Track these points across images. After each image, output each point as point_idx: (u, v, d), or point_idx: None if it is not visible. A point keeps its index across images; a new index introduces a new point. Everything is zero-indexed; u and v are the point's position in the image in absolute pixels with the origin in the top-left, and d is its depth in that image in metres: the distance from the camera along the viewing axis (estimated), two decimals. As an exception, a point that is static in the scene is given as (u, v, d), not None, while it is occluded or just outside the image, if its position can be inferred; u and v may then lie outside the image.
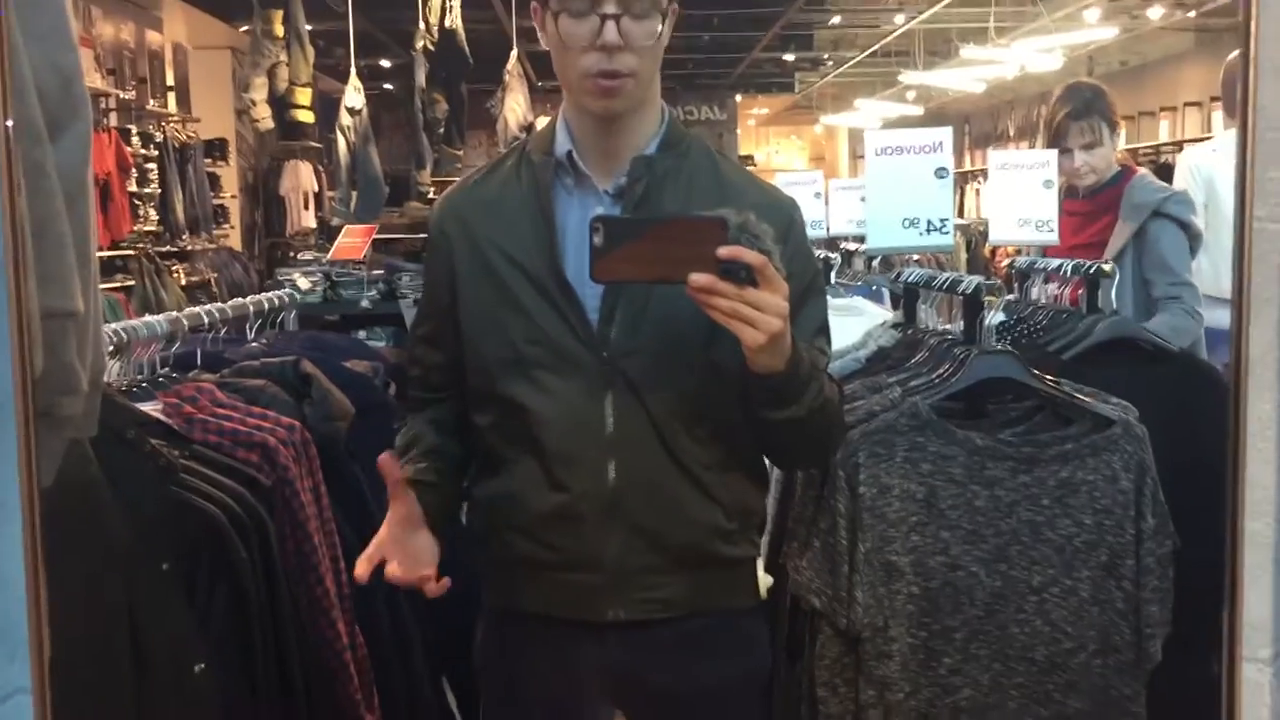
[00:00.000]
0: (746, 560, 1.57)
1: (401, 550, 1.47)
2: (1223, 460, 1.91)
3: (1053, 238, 2.51)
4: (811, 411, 1.42)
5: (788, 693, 1.92)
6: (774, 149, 19.25)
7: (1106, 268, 2.22)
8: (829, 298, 3.11)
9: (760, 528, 1.58)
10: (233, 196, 9.30)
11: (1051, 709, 1.71)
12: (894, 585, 1.69)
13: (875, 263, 3.79)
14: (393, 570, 1.46)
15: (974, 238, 7.05)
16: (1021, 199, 2.54)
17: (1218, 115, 7.07)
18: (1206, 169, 3.62)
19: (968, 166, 13.30)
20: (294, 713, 1.69)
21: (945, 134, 2.07)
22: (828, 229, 4.00)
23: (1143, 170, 3.24)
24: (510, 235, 1.48)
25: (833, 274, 3.53)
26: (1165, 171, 5.97)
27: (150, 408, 1.75)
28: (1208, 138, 6.36)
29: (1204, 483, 1.90)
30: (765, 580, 1.89)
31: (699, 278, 1.27)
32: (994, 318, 1.89)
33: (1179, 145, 8.71)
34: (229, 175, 9.29)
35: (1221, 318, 3.49)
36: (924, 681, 1.70)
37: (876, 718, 1.71)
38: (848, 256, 3.80)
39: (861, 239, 3.90)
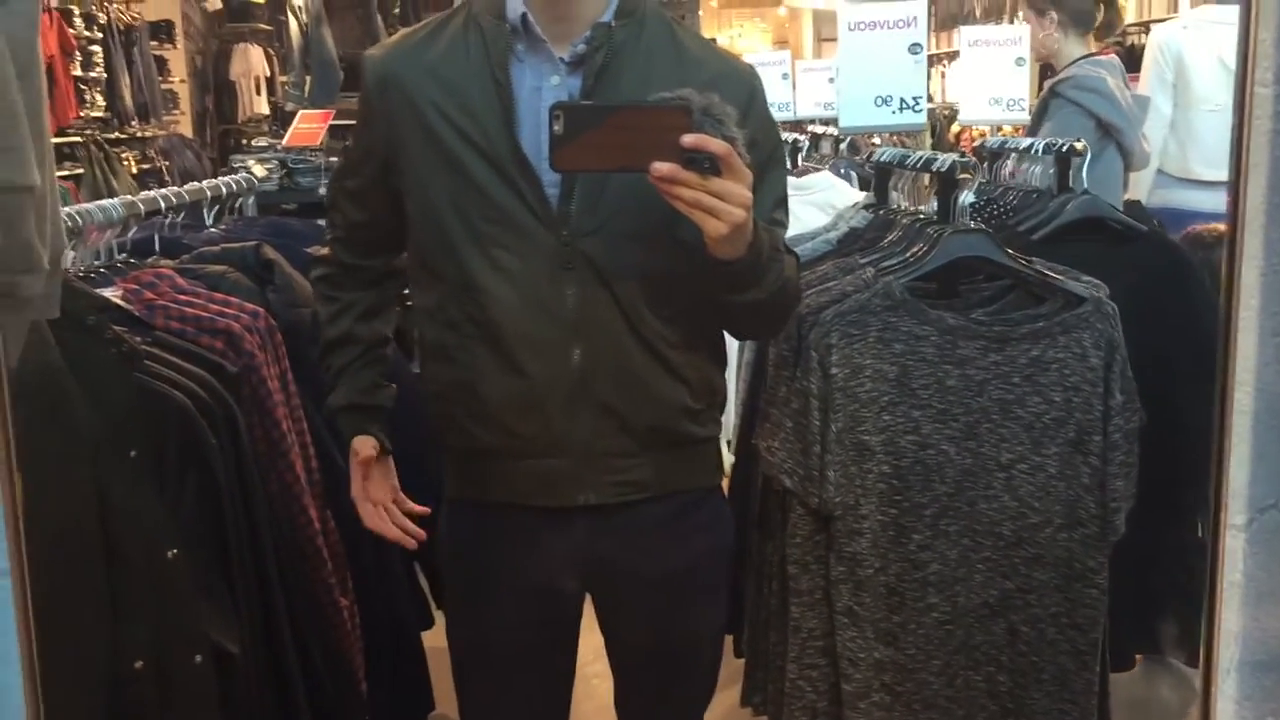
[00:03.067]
0: (712, 439, 1.56)
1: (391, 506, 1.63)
2: (1190, 335, 1.93)
3: (1023, 116, 2.49)
4: (772, 294, 1.42)
5: (760, 570, 1.95)
6: (737, 31, 18.89)
7: (1079, 146, 2.20)
8: (793, 178, 3.10)
9: (722, 405, 1.57)
10: (181, 81, 9.01)
11: (1017, 581, 1.75)
12: (865, 464, 1.71)
13: (843, 146, 3.76)
14: (395, 532, 1.62)
15: (939, 122, 7.00)
16: (993, 77, 2.51)
17: (1186, -6, 6.98)
18: (1175, 46, 3.59)
19: (933, 49, 13.14)
20: (269, 597, 1.69)
21: (920, 8, 2.02)
22: (795, 111, 3.94)
23: (1093, 61, 3.23)
24: (461, 106, 1.41)
25: (800, 157, 3.49)
26: (1133, 54, 5.91)
27: (110, 294, 1.71)
28: (1173, 18, 6.29)
29: (1172, 357, 1.94)
30: (728, 458, 1.91)
31: (661, 166, 1.24)
32: (966, 198, 1.88)
33: (1145, 26, 8.62)
34: (177, 59, 8.98)
35: (1189, 198, 3.52)
36: (893, 557, 1.73)
37: (846, 593, 1.74)
38: (815, 139, 3.75)
39: (829, 122, 3.86)
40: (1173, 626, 2.01)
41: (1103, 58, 3.38)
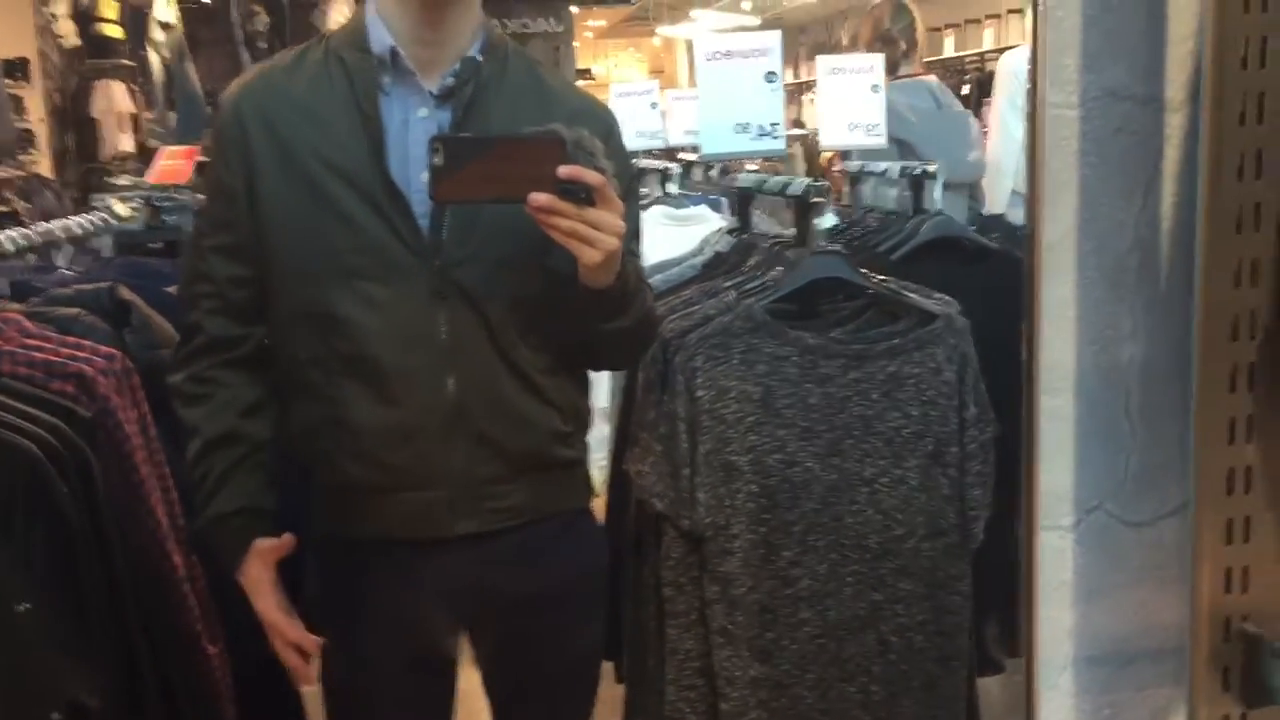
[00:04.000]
0: (580, 461, 1.59)
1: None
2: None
3: (880, 140, 2.57)
4: (637, 321, 1.48)
5: (637, 594, 1.96)
6: (612, 62, 19.07)
7: (931, 168, 2.28)
8: (671, 209, 3.14)
9: (587, 428, 1.60)
10: (40, 120, 8.70)
11: (885, 593, 1.79)
12: (734, 484, 1.74)
13: (714, 172, 3.82)
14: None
15: (815, 147, 7.15)
16: (850, 103, 2.58)
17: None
18: (1024, 72, 3.75)
19: (805, 77, 13.46)
20: (131, 647, 1.64)
21: (774, 38, 2.08)
22: (666, 140, 3.99)
23: (897, 85, 3.50)
24: (327, 139, 1.41)
25: (673, 184, 3.54)
26: (988, 79, 6.15)
27: (-50, 341, 1.64)
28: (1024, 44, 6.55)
29: (1018, 369, 2.01)
30: (599, 478, 1.93)
31: (539, 197, 1.27)
32: (826, 220, 1.93)
33: (1001, 52, 8.98)
34: (33, 97, 8.66)
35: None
36: (765, 575, 1.76)
37: (720, 613, 1.76)
38: (687, 167, 3.80)
39: (698, 149, 3.92)
40: (994, 624, 2.09)
41: (909, 81, 3.60)
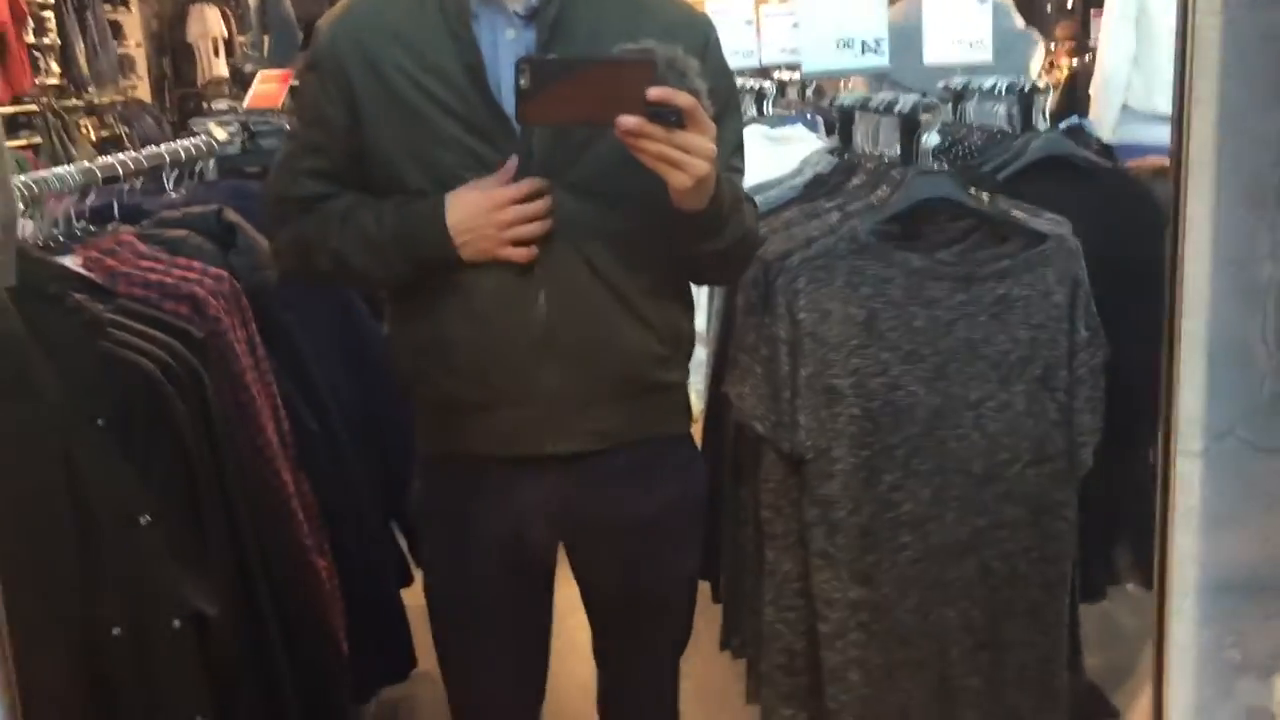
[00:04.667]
0: (680, 385, 1.57)
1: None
2: (1153, 267, 1.94)
3: (986, 56, 2.48)
4: (733, 243, 1.44)
5: (735, 516, 1.97)
6: (701, -22, 18.73)
7: (1040, 84, 2.20)
8: (767, 128, 3.09)
9: (690, 352, 1.58)
10: (138, 45, 8.86)
11: (988, 518, 1.77)
12: (835, 408, 1.72)
13: (809, 92, 3.73)
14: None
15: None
16: (956, 17, 2.50)
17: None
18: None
19: (898, -9, 13.08)
20: (245, 560, 1.70)
21: (878, -51, 2.01)
22: (760, 58, 3.91)
23: None
24: (426, 64, 1.40)
25: (768, 104, 3.47)
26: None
27: (70, 262, 1.69)
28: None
29: (1134, 291, 1.95)
30: (697, 405, 1.92)
31: (627, 120, 1.24)
32: (930, 139, 1.87)
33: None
34: (131, 23, 8.82)
35: (1154, 133, 3.54)
36: (866, 499, 1.74)
37: (821, 536, 1.76)
38: (781, 86, 3.73)
39: (794, 68, 3.83)
40: (1132, 555, 2.05)
41: None
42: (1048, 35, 7.38)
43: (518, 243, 1.40)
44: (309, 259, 1.50)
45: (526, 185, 1.39)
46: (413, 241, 1.42)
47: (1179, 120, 0.79)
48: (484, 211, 1.39)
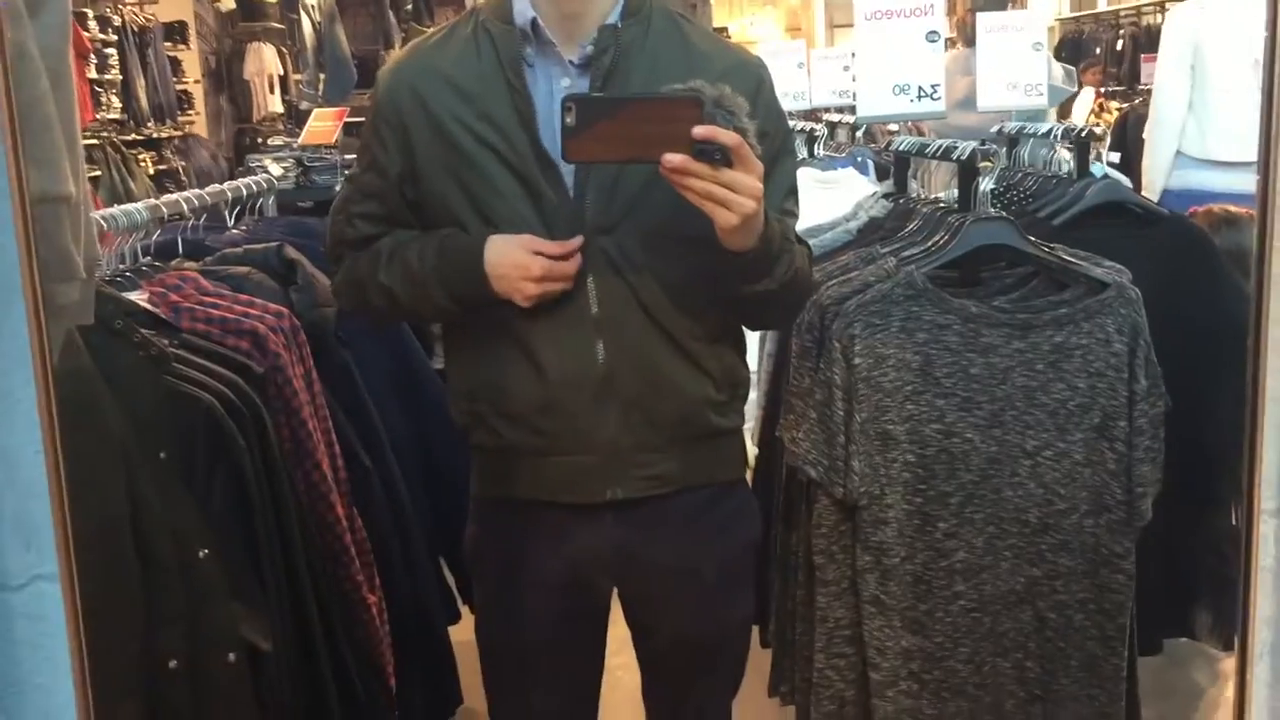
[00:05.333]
0: (736, 430, 1.57)
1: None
2: (1215, 319, 1.92)
3: (1042, 101, 2.48)
4: (784, 284, 1.43)
5: (785, 561, 1.95)
6: (749, 20, 18.83)
7: (1097, 130, 2.19)
8: (817, 171, 3.09)
9: (745, 396, 1.57)
10: (195, 82, 9.04)
11: (1043, 568, 1.75)
12: (890, 454, 1.71)
13: (859, 134, 3.74)
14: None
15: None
16: (1010, 62, 2.50)
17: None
18: (1193, 27, 3.57)
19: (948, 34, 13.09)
20: (299, 595, 1.71)
21: (936, -5, 2.02)
22: (810, 100, 3.93)
23: None
24: (478, 111, 1.41)
25: (818, 146, 3.48)
26: (1150, 34, 5.87)
27: (136, 297, 1.72)
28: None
29: (1196, 342, 1.93)
30: (751, 450, 1.91)
31: (672, 158, 1.24)
32: (987, 185, 1.87)
33: (1161, 5, 8.56)
34: (190, 60, 9.00)
35: (1208, 179, 3.51)
36: (920, 546, 1.73)
37: (873, 582, 1.74)
38: (832, 128, 3.74)
39: (844, 110, 3.84)
40: (1202, 611, 2.01)
41: None
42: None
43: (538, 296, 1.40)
44: (363, 296, 1.52)
45: (559, 246, 1.40)
46: (451, 275, 1.43)
47: (1265, 172, 0.78)
48: (516, 265, 1.39)
